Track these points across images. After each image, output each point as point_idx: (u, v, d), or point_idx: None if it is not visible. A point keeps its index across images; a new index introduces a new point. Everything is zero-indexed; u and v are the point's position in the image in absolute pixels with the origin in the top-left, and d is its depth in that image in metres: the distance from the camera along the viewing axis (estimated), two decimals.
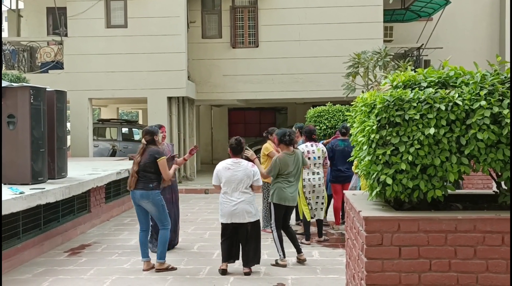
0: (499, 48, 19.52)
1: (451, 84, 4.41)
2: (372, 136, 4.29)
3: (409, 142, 4.19)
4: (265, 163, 9.06)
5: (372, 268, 4.12)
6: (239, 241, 6.69)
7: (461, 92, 4.23)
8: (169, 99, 15.87)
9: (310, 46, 17.01)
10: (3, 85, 7.99)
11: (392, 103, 4.25)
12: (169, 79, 15.52)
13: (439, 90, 4.27)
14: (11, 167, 8.02)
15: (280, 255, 7.04)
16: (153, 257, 7.00)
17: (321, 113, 13.82)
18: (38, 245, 7.73)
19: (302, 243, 8.22)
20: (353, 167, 8.45)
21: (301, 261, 7.12)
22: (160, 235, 6.84)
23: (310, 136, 8.54)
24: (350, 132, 5.02)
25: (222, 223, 6.67)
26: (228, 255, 6.69)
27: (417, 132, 4.17)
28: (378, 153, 4.26)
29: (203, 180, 16.26)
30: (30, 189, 7.31)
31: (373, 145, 4.31)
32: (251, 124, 25.72)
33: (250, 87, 17.25)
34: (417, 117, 4.16)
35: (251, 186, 6.56)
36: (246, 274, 6.60)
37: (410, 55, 18.46)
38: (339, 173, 9.05)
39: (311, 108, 15.31)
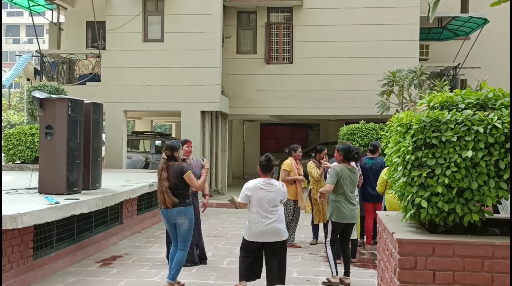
0: None
1: (490, 106, 4.33)
2: (408, 157, 4.23)
3: (445, 164, 4.12)
4: (282, 181, 9.02)
5: None
6: (262, 258, 6.38)
7: (501, 114, 4.14)
8: (203, 113, 16.01)
9: (344, 63, 16.96)
10: (43, 96, 8.19)
11: (429, 124, 4.19)
12: (203, 93, 15.66)
13: (477, 112, 4.19)
14: (47, 176, 8.18)
15: (332, 272, 6.94)
16: (183, 272, 7.00)
17: (354, 131, 13.71)
18: (71, 255, 7.84)
19: None
20: (377, 188, 8.35)
21: (344, 284, 6.97)
22: (179, 255, 6.67)
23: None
24: (385, 152, 4.95)
25: (245, 239, 6.32)
26: (249, 273, 6.35)
27: (454, 155, 4.09)
28: (414, 175, 4.19)
29: (234, 194, 16.22)
30: (65, 199, 7.43)
31: (408, 167, 4.25)
32: (283, 140, 25.67)
33: (283, 103, 17.27)
34: (454, 139, 4.09)
35: None
36: None
37: (446, 74, 18.20)
38: (367, 192, 8.96)
39: (344, 125, 15.22)
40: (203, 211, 8.17)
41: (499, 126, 4.04)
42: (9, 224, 5.88)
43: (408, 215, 4.29)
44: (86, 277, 7.20)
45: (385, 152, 4.97)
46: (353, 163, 7.21)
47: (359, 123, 14.14)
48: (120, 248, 9.15)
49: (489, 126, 4.08)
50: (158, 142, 19.12)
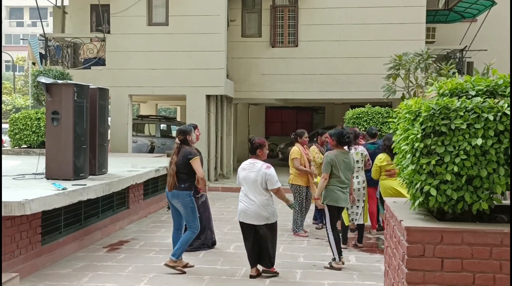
0: None
1: (500, 93, 4.28)
2: (417, 144, 4.20)
3: (454, 152, 4.09)
4: (293, 168, 9.01)
5: (413, 279, 4.04)
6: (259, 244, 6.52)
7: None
8: (208, 97, 15.96)
9: (350, 46, 16.85)
10: (48, 82, 8.18)
11: (438, 112, 4.15)
12: (208, 77, 15.60)
13: (487, 99, 4.15)
14: (54, 162, 8.20)
15: (336, 258, 6.98)
16: (185, 256, 7.04)
17: (360, 115, 13.69)
18: (79, 240, 7.90)
19: None
20: (372, 174, 8.35)
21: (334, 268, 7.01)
22: (185, 234, 6.83)
23: (354, 139, 8.45)
24: (393, 139, 4.93)
25: (239, 222, 6.56)
26: (252, 260, 6.56)
27: (463, 142, 4.06)
28: (422, 162, 4.17)
29: None
30: (72, 185, 7.45)
31: (417, 154, 4.22)
32: (288, 123, 25.68)
33: (289, 86, 17.20)
34: (464, 126, 4.05)
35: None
36: (251, 277, 6.48)
37: (453, 57, 18.06)
38: (369, 176, 8.96)
39: (350, 109, 15.17)
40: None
41: (509, 113, 4.01)
42: (18, 211, 5.91)
43: (417, 203, 4.28)
44: (94, 262, 7.25)
45: (393, 139, 4.93)
46: (345, 148, 7.26)
47: (364, 107, 14.10)
48: (127, 233, 9.21)
49: (499, 114, 4.03)
50: (163, 126, 19.12)
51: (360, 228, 8.42)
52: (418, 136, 4.20)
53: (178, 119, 24.74)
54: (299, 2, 17.09)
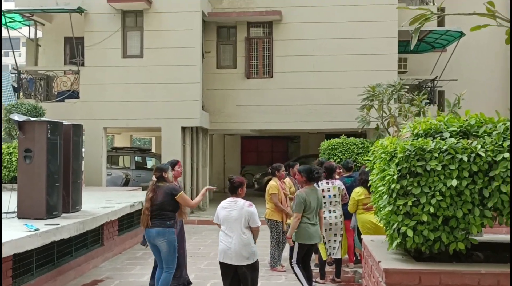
0: None
1: (473, 133, 4.36)
2: (393, 186, 4.23)
3: (430, 193, 4.13)
4: (270, 203, 8.98)
5: None
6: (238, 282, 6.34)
7: (484, 142, 4.17)
8: (183, 129, 15.92)
9: (324, 77, 17.04)
10: (21, 119, 8.05)
11: (413, 153, 4.20)
12: (183, 109, 15.59)
13: (461, 140, 4.21)
14: (26, 200, 8.02)
15: None
16: None
17: (335, 146, 13.77)
18: (51, 281, 7.68)
19: (316, 282, 8.14)
20: (349, 208, 8.37)
21: None
22: (163, 278, 6.70)
23: (331, 174, 8.47)
24: (370, 178, 4.95)
25: (219, 262, 6.32)
26: None
27: (439, 183, 4.11)
28: (399, 203, 4.20)
29: (216, 210, 16.17)
30: (44, 224, 7.28)
31: (394, 195, 4.25)
32: (263, 152, 25.74)
33: (264, 117, 17.26)
34: (439, 168, 4.11)
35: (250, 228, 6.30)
36: None
37: (424, 86, 18.42)
38: (345, 210, 8.96)
39: (325, 138, 15.27)
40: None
41: (483, 154, 4.07)
42: None
43: (395, 244, 4.29)
44: None
45: (369, 178, 4.96)
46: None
47: (339, 138, 14.21)
48: (102, 271, 9.00)
49: (473, 155, 4.11)
50: (138, 158, 18.95)
51: (338, 262, 8.38)
52: (394, 177, 4.24)
53: (153, 150, 24.56)
54: (273, 34, 17.30)
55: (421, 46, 19.21)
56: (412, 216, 4.18)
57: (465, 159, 4.06)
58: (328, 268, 8.65)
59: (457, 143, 4.18)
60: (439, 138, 4.30)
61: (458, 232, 4.15)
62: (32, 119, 8.24)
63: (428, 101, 14.51)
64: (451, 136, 4.33)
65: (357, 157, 13.59)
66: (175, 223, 6.79)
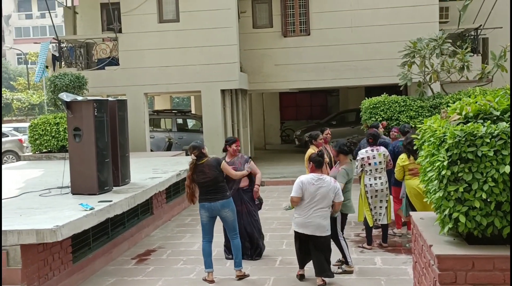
0: None
1: None
2: (443, 172, 4.22)
3: (482, 179, 4.10)
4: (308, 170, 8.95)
5: None
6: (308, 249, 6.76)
7: None
8: (223, 91, 15.98)
9: (362, 32, 16.71)
10: (69, 99, 8.25)
11: (464, 139, 4.16)
12: (222, 71, 15.60)
13: None
14: (79, 177, 8.32)
15: (349, 261, 7.11)
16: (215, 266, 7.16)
17: (377, 105, 13.61)
18: (107, 253, 8.04)
19: (363, 247, 8.28)
20: (396, 175, 8.33)
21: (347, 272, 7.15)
22: (235, 243, 7.09)
23: (375, 140, 8.45)
24: (417, 161, 4.94)
25: (294, 231, 6.78)
26: (302, 262, 6.91)
27: (491, 169, 4.07)
28: (450, 189, 4.19)
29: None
30: (98, 202, 7.55)
31: (444, 181, 4.24)
32: (302, 107, 25.62)
33: (303, 75, 17.15)
34: (491, 153, 4.06)
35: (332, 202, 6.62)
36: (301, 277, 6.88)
37: (467, 35, 17.82)
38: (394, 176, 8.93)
39: (364, 91, 15.09)
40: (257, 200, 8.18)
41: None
42: (50, 238, 6.04)
43: (446, 229, 4.31)
44: (124, 276, 7.39)
45: (417, 161, 4.94)
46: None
47: (381, 96, 14.02)
48: (153, 240, 9.34)
49: None
50: (179, 120, 19.19)
51: (385, 228, 8.46)
52: (445, 163, 4.21)
53: (193, 110, 24.76)
54: None
55: None
56: (464, 202, 4.17)
57: None
58: (374, 232, 8.73)
59: (509, 127, 4.11)
60: (489, 122, 4.23)
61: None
62: (79, 98, 8.43)
63: (471, 53, 14.07)
64: (502, 115, 4.24)
65: (399, 115, 13.42)
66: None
